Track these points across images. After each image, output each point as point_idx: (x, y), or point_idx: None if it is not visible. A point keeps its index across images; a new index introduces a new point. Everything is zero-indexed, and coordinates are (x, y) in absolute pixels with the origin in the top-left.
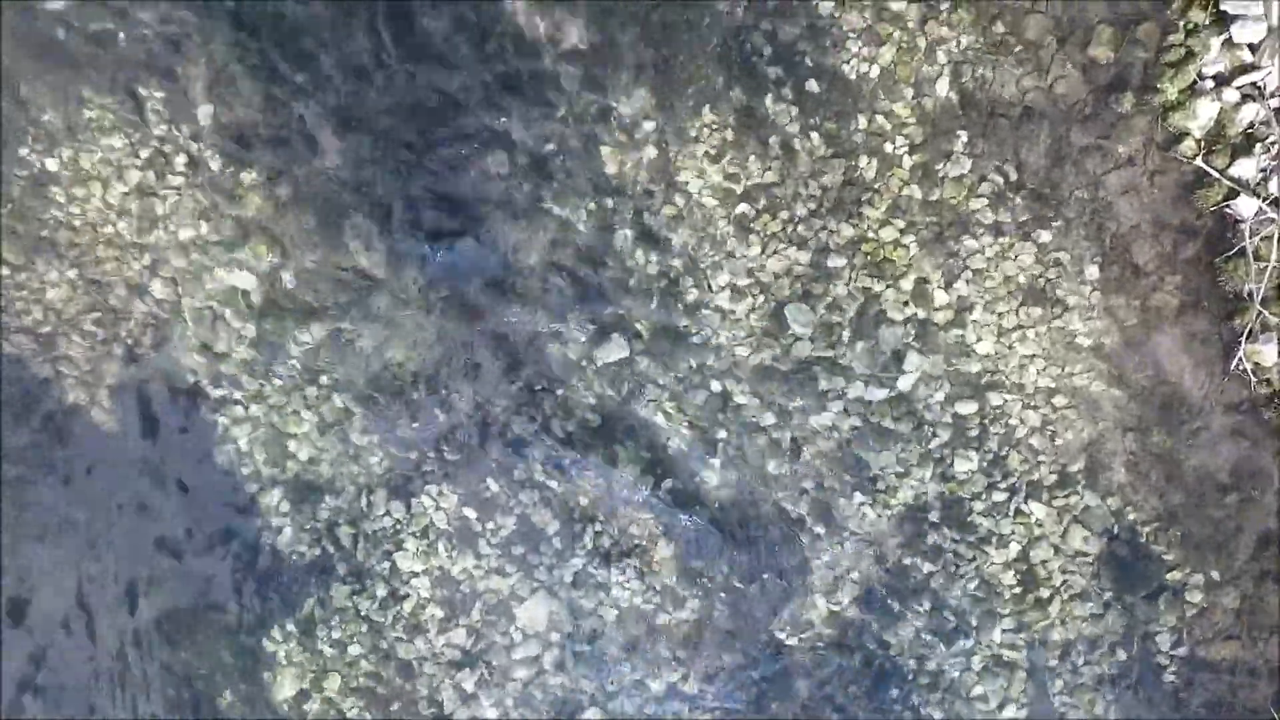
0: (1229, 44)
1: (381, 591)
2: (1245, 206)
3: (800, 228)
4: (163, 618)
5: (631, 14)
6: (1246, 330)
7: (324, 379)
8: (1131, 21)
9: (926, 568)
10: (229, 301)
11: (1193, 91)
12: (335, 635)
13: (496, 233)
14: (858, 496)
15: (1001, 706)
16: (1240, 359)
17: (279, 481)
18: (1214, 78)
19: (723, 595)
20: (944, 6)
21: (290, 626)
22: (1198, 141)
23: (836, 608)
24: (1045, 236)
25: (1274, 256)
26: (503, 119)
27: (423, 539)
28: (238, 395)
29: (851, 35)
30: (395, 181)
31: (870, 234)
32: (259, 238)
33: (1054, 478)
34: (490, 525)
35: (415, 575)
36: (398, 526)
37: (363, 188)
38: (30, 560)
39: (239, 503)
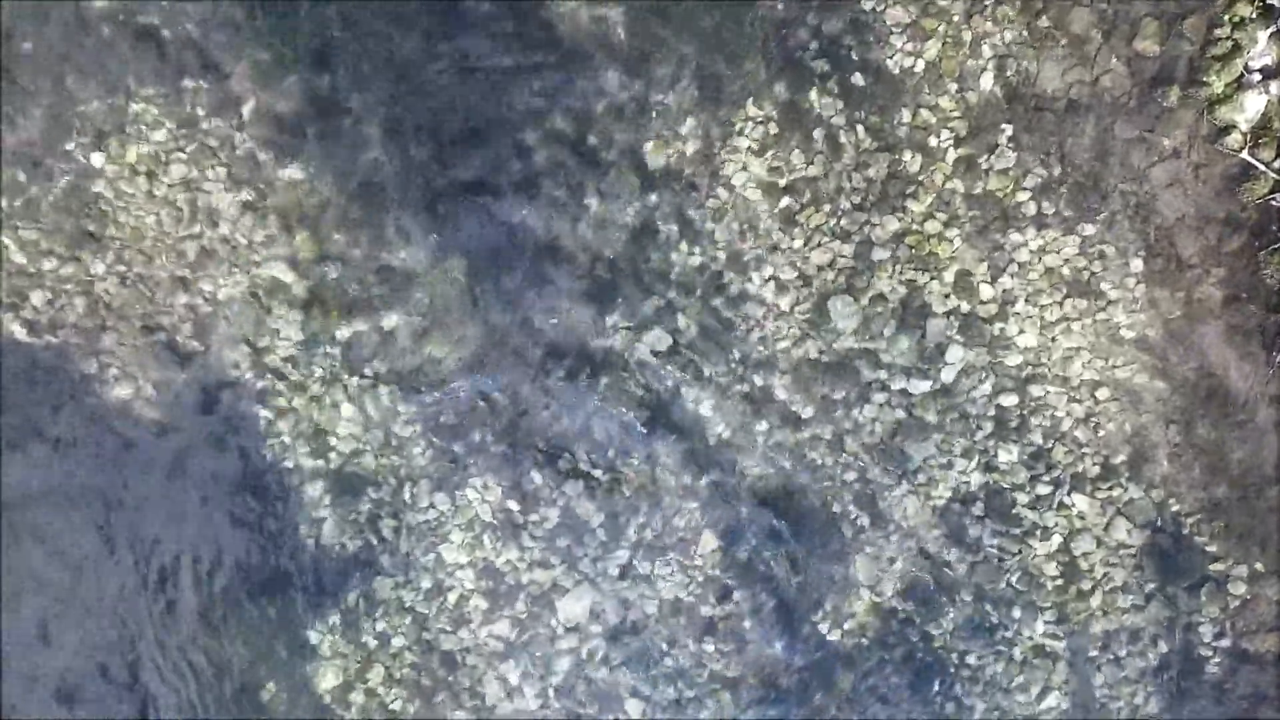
0: (1276, 37)
1: (426, 583)
2: None
3: (844, 221)
4: (206, 607)
5: (675, 9)
6: None
7: (366, 371)
8: (1177, 15)
9: (969, 560)
10: (272, 295)
11: (1239, 85)
12: (379, 627)
13: (540, 225)
14: (901, 488)
15: (1042, 697)
16: None
17: (321, 474)
18: (1261, 70)
19: (766, 587)
20: (989, 1)
21: (334, 618)
22: (1244, 134)
23: (879, 600)
24: (1089, 229)
25: None
26: (547, 113)
27: (468, 531)
28: (280, 388)
29: (896, 30)
30: (439, 174)
31: (914, 227)
32: (302, 231)
33: (1097, 470)
34: (534, 517)
35: (460, 567)
36: (442, 519)
37: (406, 181)
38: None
39: (282, 495)
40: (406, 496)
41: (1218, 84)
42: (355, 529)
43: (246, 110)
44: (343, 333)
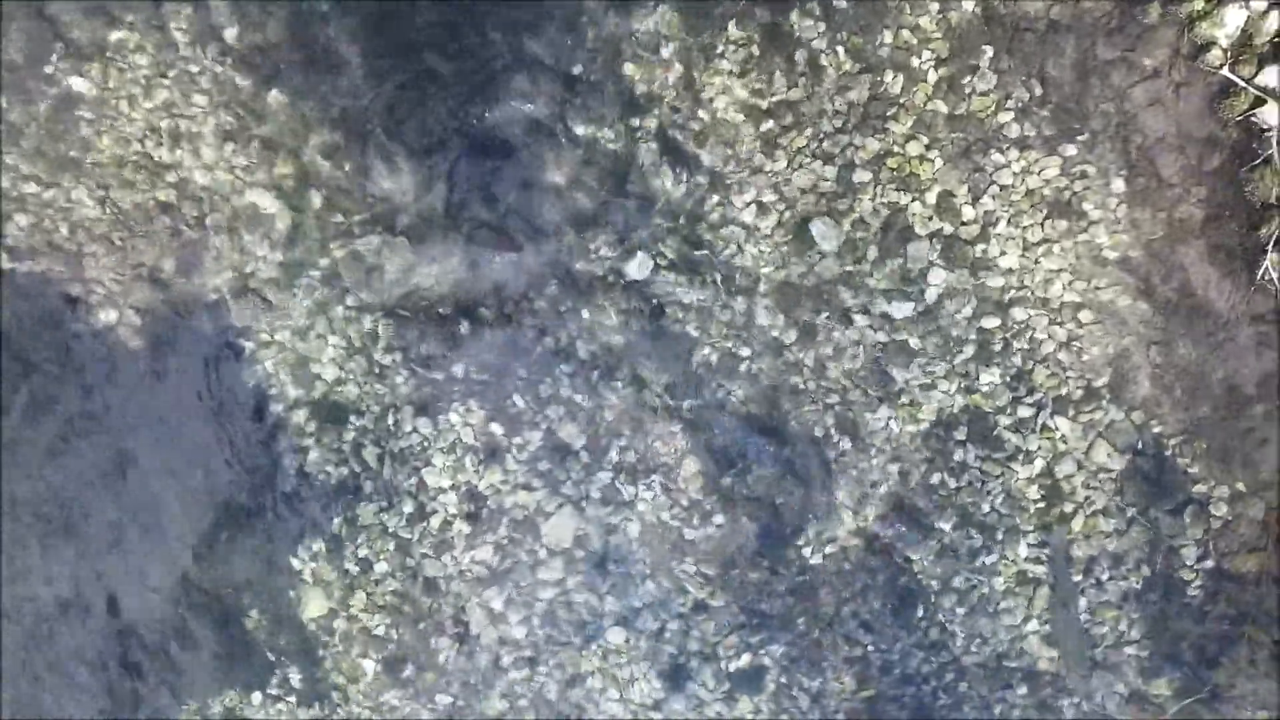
0: None
1: (409, 508)
2: (1271, 115)
3: (826, 143)
4: (187, 534)
5: None
6: (1272, 240)
7: (350, 300)
8: None
9: (952, 484)
10: (255, 222)
11: (1220, 0)
12: (362, 553)
13: (522, 152)
14: (883, 411)
15: (1025, 621)
16: (1266, 269)
17: (305, 403)
18: None
19: (748, 510)
20: None
21: (318, 545)
22: (1224, 50)
23: (862, 524)
24: (1071, 150)
25: None
26: (529, 40)
27: (450, 454)
28: (263, 317)
29: None
30: (420, 100)
31: (896, 149)
32: (284, 158)
33: (1079, 393)
34: (517, 440)
35: (443, 491)
36: (425, 444)
37: (388, 107)
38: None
39: (266, 423)
40: (390, 423)
41: (1198, 0)
42: (339, 457)
43: (229, 35)
44: (326, 260)
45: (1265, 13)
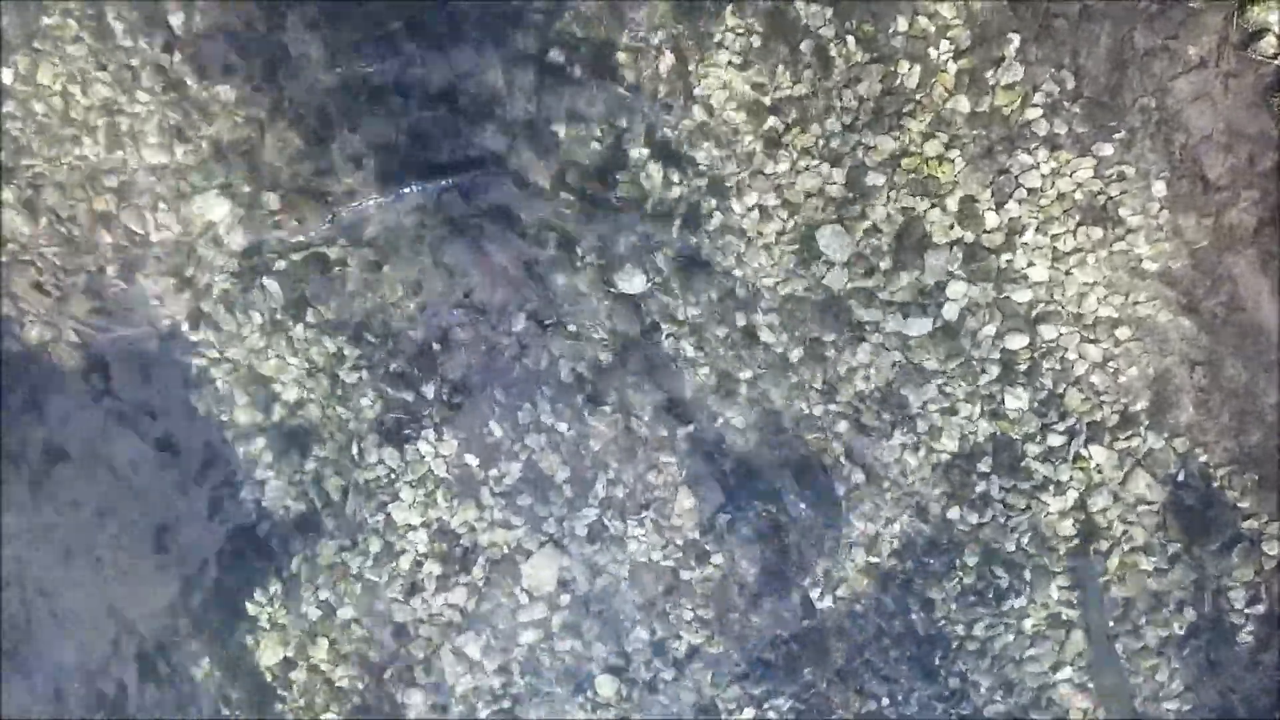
0: None
1: (375, 547)
2: None
3: (834, 142)
4: (127, 573)
5: None
6: None
7: (310, 315)
8: None
9: (974, 518)
10: (205, 231)
11: None
12: (323, 596)
13: (499, 150)
14: (898, 438)
15: (1055, 669)
16: None
17: (263, 428)
18: None
19: (749, 549)
20: None
21: (274, 587)
22: (1279, 38)
23: (875, 562)
24: (1107, 150)
25: None
26: (506, 27)
27: (420, 488)
28: (214, 335)
29: None
30: (389, 93)
31: (912, 148)
32: (238, 159)
33: (1115, 418)
34: (494, 472)
35: (412, 528)
36: (392, 475)
37: (352, 102)
38: None
39: (217, 451)
40: (354, 452)
41: None
42: (299, 488)
43: (175, 23)
44: (282, 268)
45: None
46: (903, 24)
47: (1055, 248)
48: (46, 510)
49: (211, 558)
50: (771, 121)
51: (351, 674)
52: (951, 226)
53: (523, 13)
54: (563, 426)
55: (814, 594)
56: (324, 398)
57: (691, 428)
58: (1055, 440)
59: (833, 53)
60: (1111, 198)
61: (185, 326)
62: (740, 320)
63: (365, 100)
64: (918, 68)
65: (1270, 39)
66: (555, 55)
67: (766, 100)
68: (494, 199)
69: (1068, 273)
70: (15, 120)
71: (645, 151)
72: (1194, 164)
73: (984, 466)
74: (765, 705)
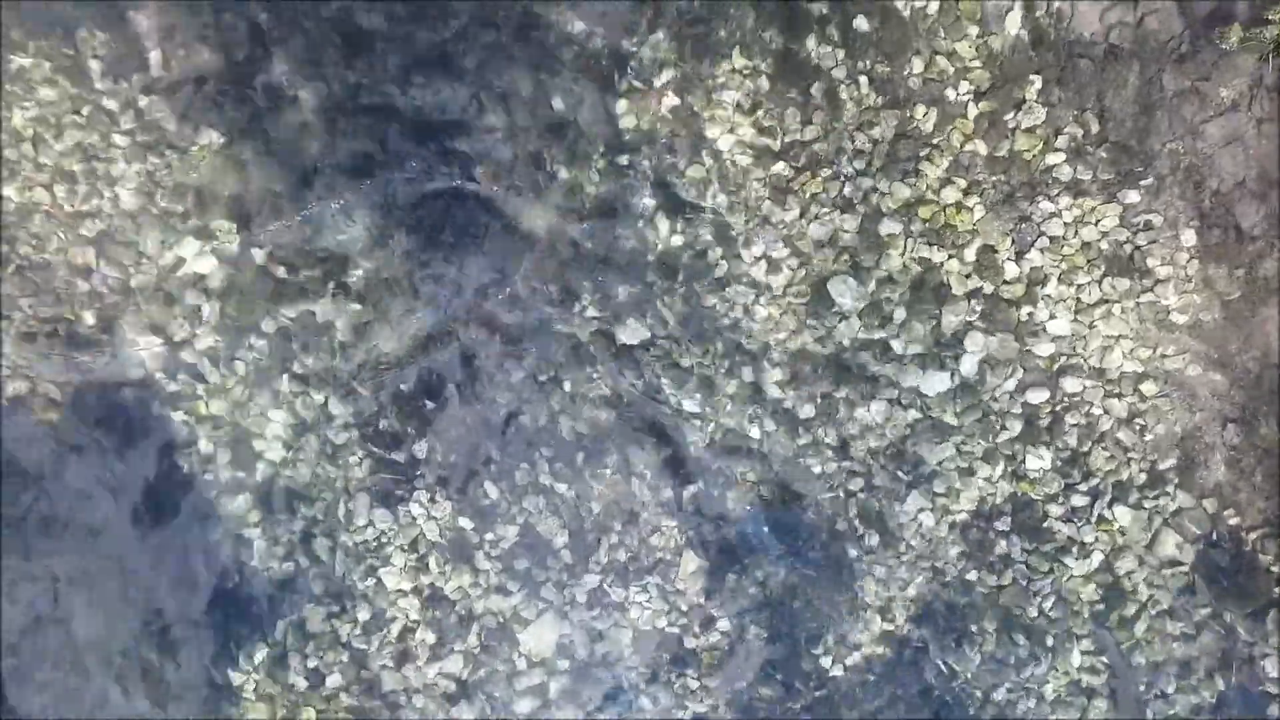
0: None
1: (364, 614)
2: None
3: (847, 189)
4: (106, 641)
5: None
6: None
7: (298, 368)
8: None
9: (994, 581)
10: (187, 281)
11: None
12: (311, 664)
13: (495, 196)
14: (914, 499)
15: None
16: None
17: (247, 487)
18: None
19: (758, 615)
20: None
21: (260, 654)
22: None
23: (890, 629)
24: (1133, 196)
25: None
26: (504, 69)
27: (411, 553)
28: (199, 389)
29: None
30: (379, 138)
31: (929, 195)
32: (221, 207)
33: (1143, 477)
34: (489, 536)
35: (403, 594)
36: (382, 538)
37: (341, 147)
38: None
39: (201, 510)
40: (342, 513)
41: None
42: (286, 550)
43: (154, 65)
44: (269, 324)
45: None
46: (919, 65)
47: (1079, 299)
48: (25, 572)
49: (194, 623)
50: (780, 167)
51: None
52: (969, 276)
53: (525, 53)
54: (562, 488)
55: (826, 662)
56: (312, 455)
57: (697, 487)
58: (1079, 500)
59: (845, 95)
60: (1138, 247)
61: (167, 379)
62: (748, 374)
63: (354, 148)
64: (934, 111)
65: None
66: (557, 102)
67: (775, 144)
68: (490, 246)
69: (1092, 325)
70: None
71: (649, 199)
72: (1226, 212)
73: (1003, 526)
74: None
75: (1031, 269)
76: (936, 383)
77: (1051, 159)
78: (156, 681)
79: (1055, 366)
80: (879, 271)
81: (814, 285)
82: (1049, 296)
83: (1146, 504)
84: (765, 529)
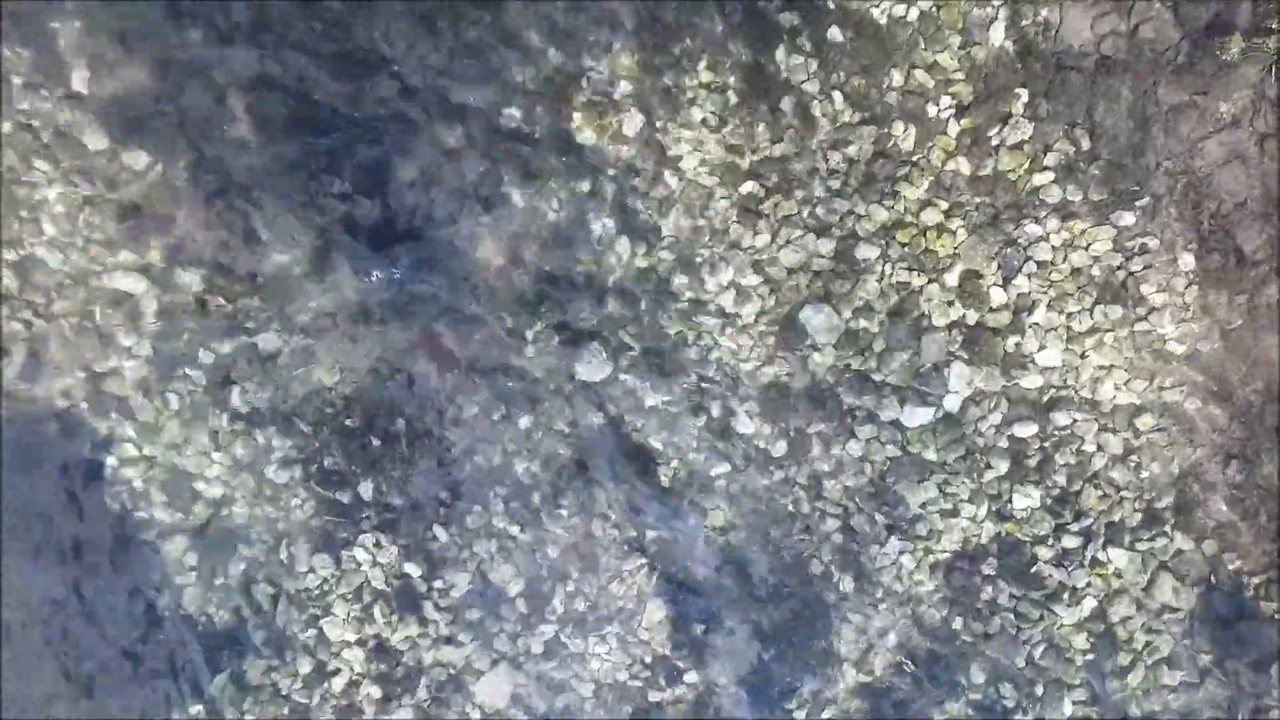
0: None
1: (305, 666)
2: None
3: (820, 211)
4: (24, 693)
5: None
6: None
7: (235, 403)
8: None
9: (980, 629)
10: (115, 310)
11: None
12: (249, 719)
13: (446, 222)
14: (894, 543)
15: None
16: None
17: (183, 529)
18: None
19: (726, 667)
20: None
21: (196, 709)
22: None
23: (868, 679)
24: (1127, 218)
25: None
26: (454, 81)
27: (355, 601)
28: (128, 426)
29: None
30: (320, 157)
31: (908, 218)
32: (153, 232)
33: (1138, 517)
34: (438, 584)
35: (347, 645)
36: (325, 586)
37: (281, 168)
38: None
39: (133, 555)
40: (284, 557)
41: None
42: (224, 597)
43: (78, 81)
44: (205, 356)
45: None
46: (897, 78)
47: (1069, 328)
48: None
49: (122, 676)
50: (749, 187)
51: None
52: (952, 304)
53: (474, 69)
54: (516, 531)
55: (800, 716)
56: (251, 496)
57: (662, 530)
58: (1070, 542)
59: (818, 111)
60: (1132, 272)
61: (94, 415)
62: (716, 410)
63: (294, 167)
64: (914, 127)
65: None
66: (511, 113)
67: (744, 163)
68: (443, 277)
69: (1083, 355)
70: None
71: (610, 222)
72: (1226, 235)
73: (990, 570)
74: None
75: (1018, 296)
76: (917, 416)
77: (1039, 178)
78: None
79: (1044, 399)
80: (855, 299)
81: (786, 314)
82: (1037, 325)
83: (1142, 546)
84: (735, 573)
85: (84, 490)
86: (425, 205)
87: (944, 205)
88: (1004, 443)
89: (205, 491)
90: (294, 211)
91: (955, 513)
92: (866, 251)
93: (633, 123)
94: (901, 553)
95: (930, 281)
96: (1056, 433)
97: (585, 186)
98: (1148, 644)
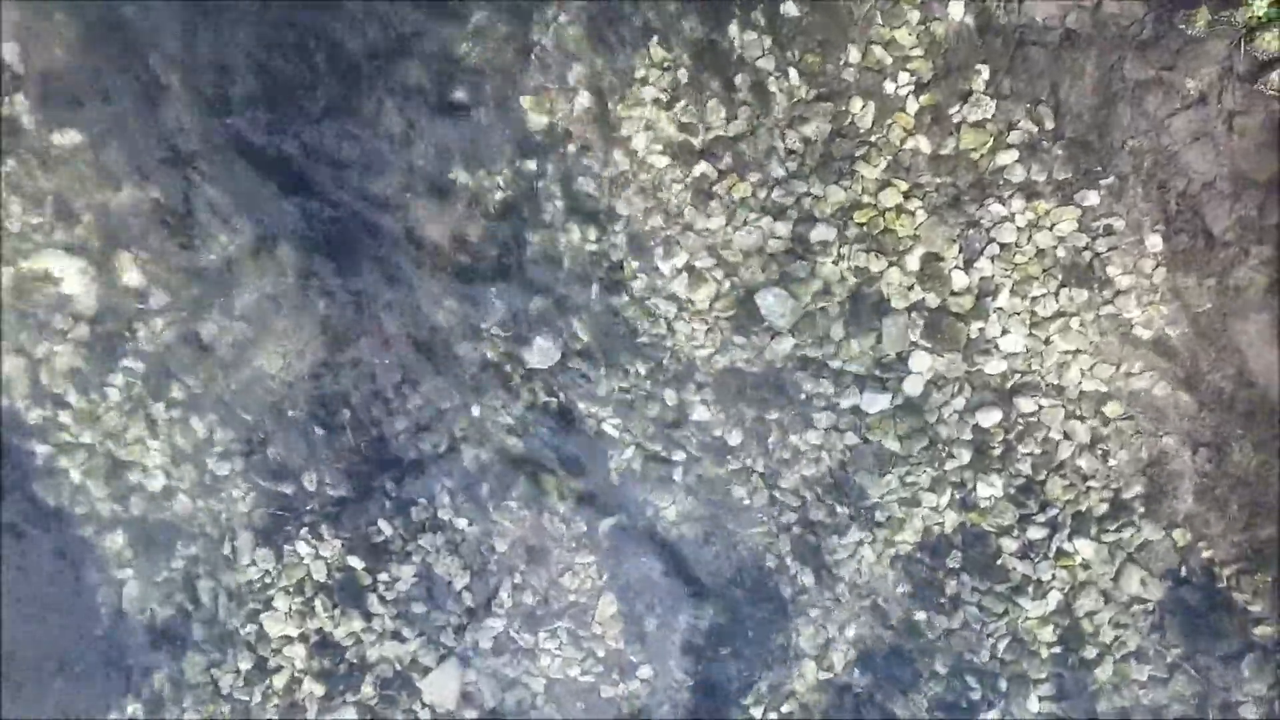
0: None
1: (245, 663)
2: None
3: (776, 192)
4: None
5: None
6: None
7: (176, 392)
8: None
9: (943, 624)
10: (49, 297)
11: None
12: (189, 718)
13: (389, 204)
14: (853, 533)
15: None
16: None
17: (121, 521)
18: None
19: (682, 663)
20: None
21: (133, 709)
22: None
23: (827, 676)
24: (1092, 198)
25: None
26: (396, 60)
27: (296, 595)
28: (64, 416)
29: None
30: (259, 138)
31: (866, 199)
32: (87, 215)
33: (1104, 507)
34: (383, 577)
35: (289, 641)
36: (266, 580)
37: (219, 148)
38: None
39: (69, 548)
40: (227, 550)
41: (1259, 4)
42: (164, 593)
43: (8, 54)
44: (144, 343)
45: None
46: (854, 54)
47: (1033, 312)
48: None
49: (56, 674)
50: (703, 168)
51: None
52: (912, 288)
53: (420, 41)
54: (463, 523)
55: (757, 713)
56: (192, 487)
57: (615, 521)
58: (1036, 533)
59: (773, 88)
60: (1098, 254)
61: (28, 405)
62: (670, 397)
63: (234, 147)
64: (872, 105)
65: None
66: (458, 94)
67: (696, 142)
68: (386, 260)
69: (1047, 340)
70: None
71: (558, 204)
72: (1194, 215)
73: (954, 564)
74: None
75: (981, 279)
76: (877, 403)
77: (1002, 158)
78: None
79: (1008, 385)
80: (812, 283)
81: (742, 298)
82: (1001, 309)
83: (1109, 537)
84: (690, 567)
85: (19, 481)
86: (370, 187)
87: (903, 186)
88: (967, 431)
89: (146, 483)
90: (233, 191)
91: (916, 502)
92: (823, 234)
93: (581, 103)
94: (861, 544)
95: (890, 265)
96: (1021, 420)
97: (533, 168)
98: (1116, 638)
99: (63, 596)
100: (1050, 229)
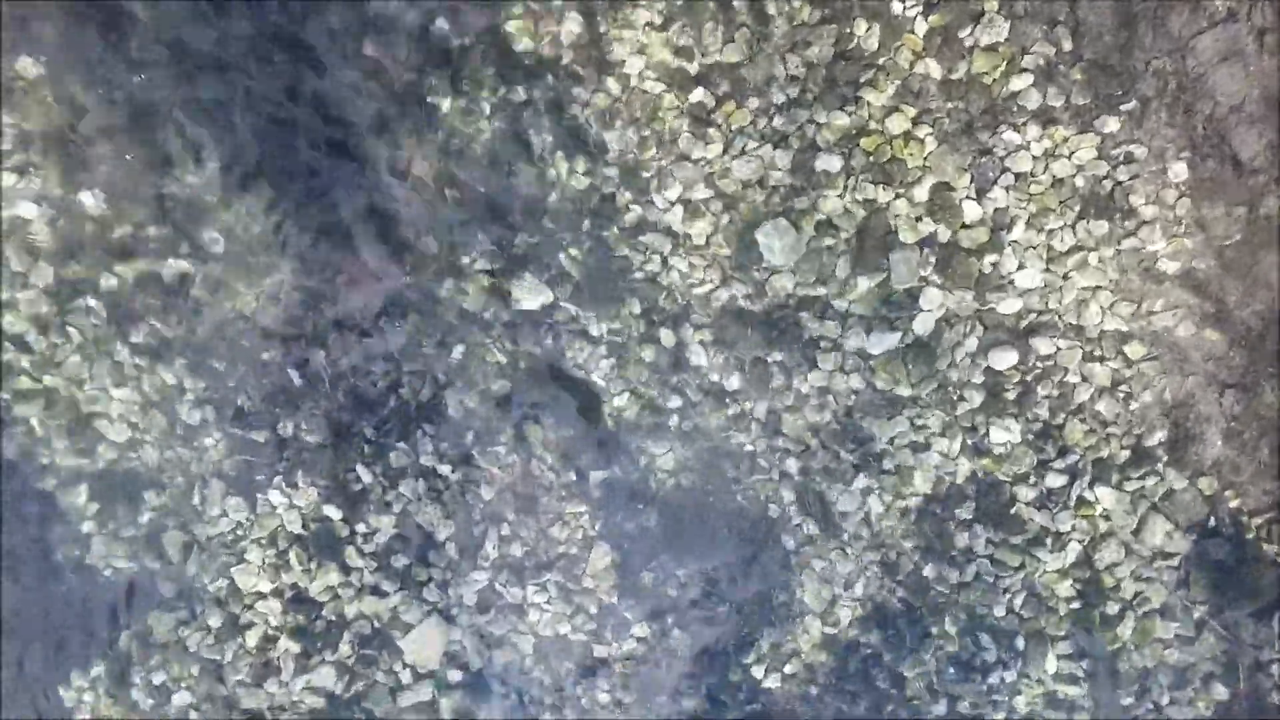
0: None
1: (215, 619)
2: None
3: (777, 119)
4: None
5: None
6: None
7: (142, 335)
8: None
9: (955, 578)
10: (9, 233)
11: None
12: (157, 680)
13: (369, 134)
14: (860, 481)
15: None
16: None
17: (86, 474)
18: None
19: (679, 619)
20: None
21: (97, 669)
22: None
23: (833, 633)
24: (1113, 124)
25: None
26: None
27: (270, 547)
28: (24, 361)
29: None
30: (231, 64)
31: (873, 126)
32: (48, 148)
33: (1127, 454)
34: (361, 528)
35: (261, 596)
36: (238, 532)
37: (188, 78)
38: None
39: (30, 502)
40: (195, 502)
41: None
42: (130, 548)
43: None
44: (109, 282)
45: None
46: None
47: (1050, 245)
48: None
49: (14, 633)
50: (699, 94)
51: None
52: (921, 220)
53: None
54: (446, 470)
55: (758, 671)
56: (161, 436)
57: (608, 471)
58: (1054, 481)
59: (772, 10)
60: (1119, 183)
61: None
62: (667, 338)
63: (206, 77)
64: (878, 26)
65: None
66: (440, 23)
67: (692, 68)
68: (366, 197)
69: (1065, 276)
70: None
71: (547, 135)
72: (1221, 141)
73: (966, 514)
74: None
75: (995, 210)
76: (885, 342)
77: (1017, 82)
78: None
79: (1024, 325)
80: (815, 215)
81: (740, 233)
82: (1016, 243)
83: (1131, 485)
84: (688, 518)
85: None
86: (350, 118)
87: (912, 112)
88: (980, 374)
89: (110, 433)
90: (207, 124)
91: (927, 448)
92: (828, 163)
93: (570, 27)
94: (868, 493)
95: (898, 196)
96: (1038, 362)
97: (520, 95)
98: (1139, 593)
99: (24, 554)
100: (1068, 157)
